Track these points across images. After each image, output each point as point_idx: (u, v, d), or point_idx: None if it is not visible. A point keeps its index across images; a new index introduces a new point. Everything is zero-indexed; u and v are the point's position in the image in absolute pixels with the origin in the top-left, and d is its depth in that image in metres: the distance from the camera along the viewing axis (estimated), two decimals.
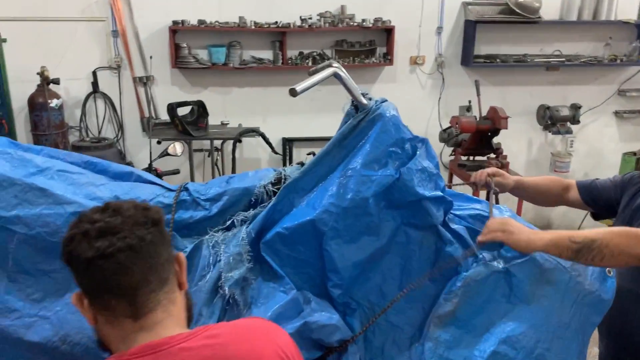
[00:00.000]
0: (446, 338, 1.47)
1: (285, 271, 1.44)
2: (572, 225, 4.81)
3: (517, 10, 4.34)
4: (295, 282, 1.44)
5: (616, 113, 4.85)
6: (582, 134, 4.81)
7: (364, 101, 1.46)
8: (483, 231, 1.51)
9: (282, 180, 1.54)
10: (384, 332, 1.49)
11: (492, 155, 4.17)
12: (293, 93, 1.32)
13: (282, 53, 4.38)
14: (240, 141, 4.12)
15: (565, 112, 4.43)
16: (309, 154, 3.67)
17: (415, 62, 4.61)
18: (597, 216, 1.90)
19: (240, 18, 4.27)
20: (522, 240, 1.43)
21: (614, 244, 1.37)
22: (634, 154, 4.54)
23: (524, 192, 1.91)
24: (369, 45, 4.51)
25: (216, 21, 4.25)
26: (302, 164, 1.62)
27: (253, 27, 4.29)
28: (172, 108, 4.03)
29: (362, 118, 1.47)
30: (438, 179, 1.54)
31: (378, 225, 1.49)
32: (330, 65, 1.46)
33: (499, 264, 1.55)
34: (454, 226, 1.58)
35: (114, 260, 0.90)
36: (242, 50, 4.42)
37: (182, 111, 4.10)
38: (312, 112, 4.56)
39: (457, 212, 1.65)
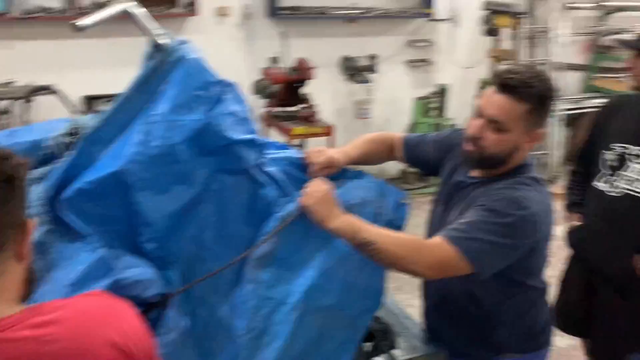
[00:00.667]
0: (266, 278, 1.50)
1: (92, 230, 1.33)
2: None
3: None
4: (105, 241, 1.34)
5: (407, 62, 5.30)
6: (380, 83, 5.17)
7: (162, 40, 1.38)
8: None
9: (79, 132, 1.41)
10: (204, 280, 1.47)
11: (303, 105, 4.32)
12: (76, 28, 1.19)
13: (74, 1, 3.96)
14: (29, 100, 3.68)
15: (364, 62, 4.72)
16: (107, 101, 3.40)
17: (221, 13, 4.50)
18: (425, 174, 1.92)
19: None
20: (317, 215, 1.46)
21: (390, 252, 1.41)
22: (423, 98, 5.04)
23: (356, 164, 1.82)
24: None
25: None
26: (97, 112, 1.49)
27: None
28: None
29: (163, 59, 1.40)
30: (249, 123, 1.53)
31: (190, 173, 1.44)
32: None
33: None
34: (268, 169, 1.60)
35: None
36: None
37: None
38: (115, 66, 4.20)
39: (271, 156, 1.67)
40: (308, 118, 4.22)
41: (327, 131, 4.25)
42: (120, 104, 1.41)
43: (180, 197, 1.43)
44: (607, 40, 5.95)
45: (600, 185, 2.05)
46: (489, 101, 1.46)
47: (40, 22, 3.95)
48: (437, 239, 1.43)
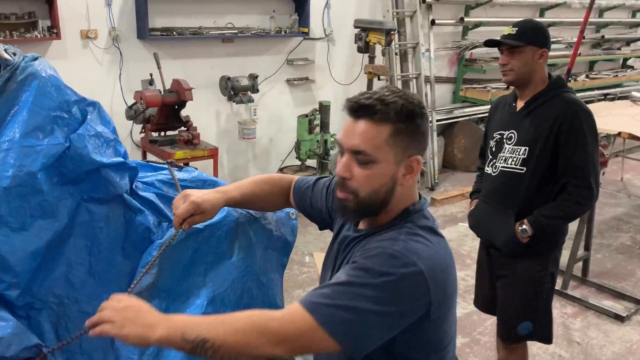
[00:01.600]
0: None
1: None
2: None
3: None
4: None
5: (287, 81, 5.32)
6: (262, 102, 5.14)
7: (7, 56, 1.22)
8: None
9: None
10: (80, 325, 1.30)
11: (183, 128, 4.15)
12: None
13: None
14: None
15: (245, 82, 4.66)
16: None
17: (87, 36, 4.23)
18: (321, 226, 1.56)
19: None
20: (133, 337, 1.10)
21: (229, 345, 1.09)
22: (306, 115, 5.07)
23: (241, 206, 1.54)
24: (29, 17, 3.96)
25: None
26: None
27: None
28: None
29: (9, 78, 1.24)
30: (117, 145, 1.41)
31: (53, 204, 1.29)
32: None
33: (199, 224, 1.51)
34: (142, 194, 1.48)
35: None
36: None
37: None
38: None
39: (145, 180, 1.56)
40: (190, 141, 4.07)
41: (211, 154, 4.12)
42: None
43: (43, 234, 1.28)
44: (470, 53, 6.41)
45: (487, 169, 2.39)
46: (347, 132, 1.22)
47: None
48: (293, 306, 1.13)
